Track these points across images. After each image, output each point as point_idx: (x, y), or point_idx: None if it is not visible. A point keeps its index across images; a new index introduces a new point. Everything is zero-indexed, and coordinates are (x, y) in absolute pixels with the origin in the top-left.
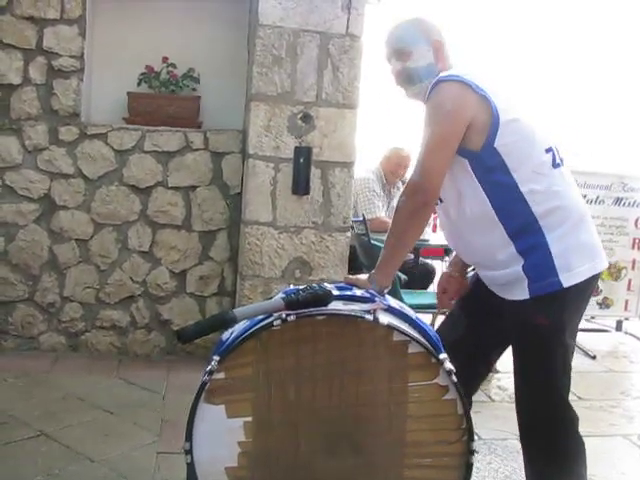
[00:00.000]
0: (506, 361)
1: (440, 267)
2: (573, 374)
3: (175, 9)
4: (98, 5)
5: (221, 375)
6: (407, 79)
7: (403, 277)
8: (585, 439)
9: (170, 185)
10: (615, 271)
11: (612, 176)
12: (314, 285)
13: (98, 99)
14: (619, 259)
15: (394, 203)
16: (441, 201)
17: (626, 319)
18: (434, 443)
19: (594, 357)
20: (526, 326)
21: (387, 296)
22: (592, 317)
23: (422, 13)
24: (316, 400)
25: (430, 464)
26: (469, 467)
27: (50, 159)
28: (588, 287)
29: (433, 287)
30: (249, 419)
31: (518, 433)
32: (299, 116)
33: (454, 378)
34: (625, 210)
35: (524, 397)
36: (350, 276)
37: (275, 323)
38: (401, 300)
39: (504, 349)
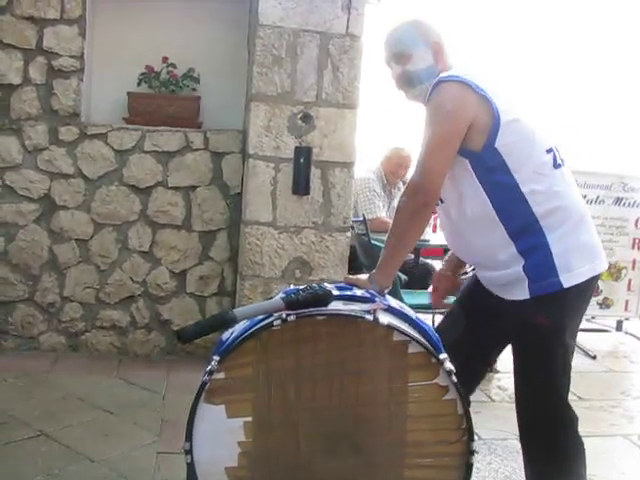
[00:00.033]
0: (506, 361)
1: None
2: (573, 374)
3: (175, 9)
4: (98, 5)
5: (221, 375)
6: (407, 82)
7: (403, 277)
8: (585, 439)
9: (170, 185)
10: (615, 271)
11: (612, 176)
12: (314, 285)
13: (98, 99)
14: (619, 259)
15: (395, 203)
16: (442, 202)
17: (626, 319)
18: (434, 443)
19: (594, 357)
20: (526, 326)
21: (387, 296)
22: (592, 317)
23: (422, 13)
24: (316, 400)
25: (430, 464)
26: (469, 467)
27: (50, 159)
28: (588, 287)
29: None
30: (249, 419)
31: (518, 433)
32: (299, 116)
33: (454, 378)
34: (625, 210)
35: (524, 397)
36: (350, 276)
37: (275, 323)
38: (401, 300)
39: (503, 348)
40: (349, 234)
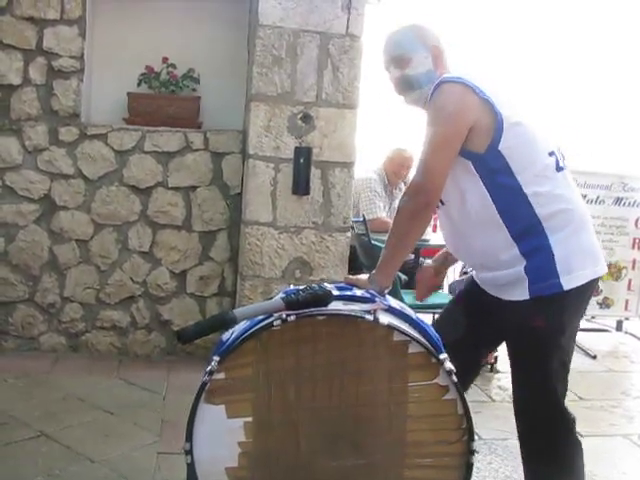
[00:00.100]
0: (506, 361)
1: None
2: (574, 374)
3: (175, 9)
4: (98, 5)
5: (221, 375)
6: (406, 86)
7: (403, 277)
8: (586, 439)
9: (170, 185)
10: (615, 271)
11: (612, 176)
12: (314, 285)
13: (98, 99)
14: (619, 259)
15: (396, 204)
16: (442, 203)
17: (626, 319)
18: (434, 443)
19: (594, 357)
20: (523, 328)
21: (387, 296)
22: (592, 317)
23: (422, 14)
24: (316, 400)
25: (430, 464)
26: (469, 467)
27: (50, 159)
28: (587, 290)
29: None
30: (249, 419)
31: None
32: (299, 116)
33: (454, 378)
34: (625, 210)
35: (521, 399)
36: (350, 276)
37: (275, 323)
38: (401, 300)
39: (495, 348)
40: (349, 234)
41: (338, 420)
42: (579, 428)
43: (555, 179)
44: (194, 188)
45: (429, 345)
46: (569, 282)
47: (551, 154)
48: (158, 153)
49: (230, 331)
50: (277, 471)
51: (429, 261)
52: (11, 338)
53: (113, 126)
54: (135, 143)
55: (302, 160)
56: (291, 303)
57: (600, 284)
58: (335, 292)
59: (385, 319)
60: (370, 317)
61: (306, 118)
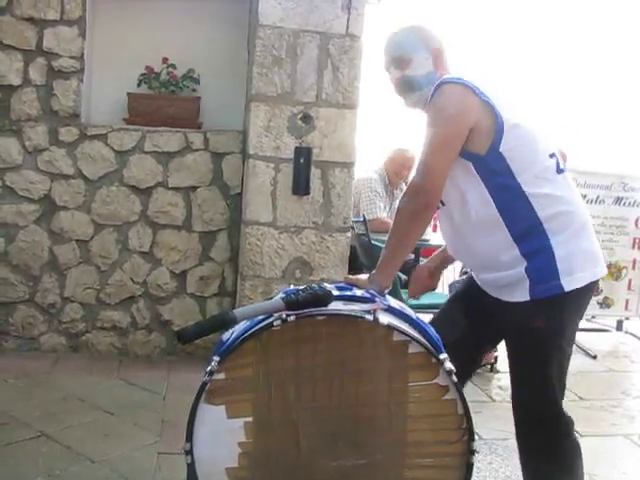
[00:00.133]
0: (506, 361)
1: None
2: (574, 374)
3: (175, 9)
4: (98, 6)
5: (221, 375)
6: (406, 87)
7: (403, 277)
8: (586, 439)
9: (170, 186)
10: (615, 271)
11: (612, 176)
12: (314, 285)
13: (98, 100)
14: (619, 259)
15: (396, 204)
16: (443, 204)
17: (626, 319)
18: (434, 443)
19: (595, 357)
20: (523, 329)
21: (387, 296)
22: (593, 317)
23: (421, 14)
24: (316, 400)
25: (430, 464)
26: (470, 467)
27: (50, 160)
28: (587, 292)
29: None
30: (249, 419)
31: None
32: (299, 116)
33: (454, 378)
34: (625, 210)
35: (519, 401)
36: (350, 276)
37: (275, 323)
38: (401, 300)
39: (493, 347)
40: (349, 234)
41: (338, 420)
42: (579, 428)
43: (556, 181)
44: (194, 188)
45: (429, 345)
46: (570, 284)
47: (552, 156)
48: (158, 153)
49: (230, 331)
50: (277, 471)
51: (422, 265)
52: (11, 338)
53: (113, 126)
54: (135, 143)
55: (302, 160)
56: (291, 303)
57: (600, 284)
58: (335, 292)
59: (385, 319)
60: (370, 317)
61: (306, 118)
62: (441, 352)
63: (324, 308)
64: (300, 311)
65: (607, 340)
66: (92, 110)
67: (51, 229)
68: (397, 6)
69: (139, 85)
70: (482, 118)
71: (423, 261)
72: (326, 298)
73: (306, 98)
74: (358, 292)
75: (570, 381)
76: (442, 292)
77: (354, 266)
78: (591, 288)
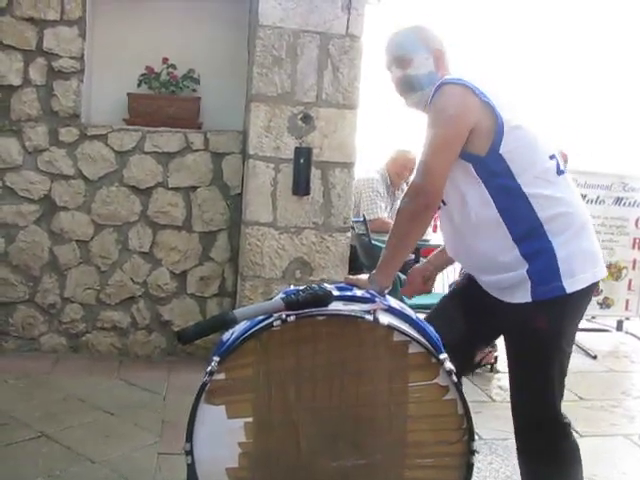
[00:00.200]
0: (506, 361)
1: None
2: (574, 374)
3: (175, 9)
4: (98, 6)
5: (221, 376)
6: (407, 86)
7: (403, 277)
8: (586, 439)
9: (170, 186)
10: (616, 271)
11: (612, 176)
12: (314, 286)
13: (98, 100)
14: (619, 259)
15: (397, 205)
16: (444, 204)
17: (627, 319)
18: (435, 443)
19: (595, 357)
20: (525, 330)
21: (387, 296)
22: (593, 317)
23: (421, 14)
24: (316, 400)
25: (431, 464)
26: (470, 467)
27: (50, 160)
28: (588, 294)
29: (434, 288)
30: (249, 420)
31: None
32: (299, 117)
33: (454, 378)
34: (625, 210)
35: (520, 401)
36: (350, 276)
37: (275, 323)
38: (401, 300)
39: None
40: (349, 234)
41: (338, 420)
42: (579, 428)
43: (556, 182)
44: (194, 188)
45: (429, 345)
46: (571, 285)
47: (552, 157)
48: (158, 153)
49: (230, 331)
50: (277, 471)
51: (418, 266)
52: (11, 339)
53: (113, 127)
54: (135, 144)
55: (302, 160)
56: (291, 303)
57: (600, 284)
58: (335, 292)
59: (385, 319)
60: (370, 317)
61: (306, 118)
62: (441, 352)
63: (324, 308)
64: (300, 311)
65: (607, 340)
66: (92, 110)
67: (51, 229)
68: (397, 6)
69: (139, 85)
70: (482, 119)
71: (423, 261)
72: (326, 298)
73: (306, 98)
74: (358, 292)
75: (570, 381)
76: (443, 292)
77: (354, 266)
78: (592, 289)
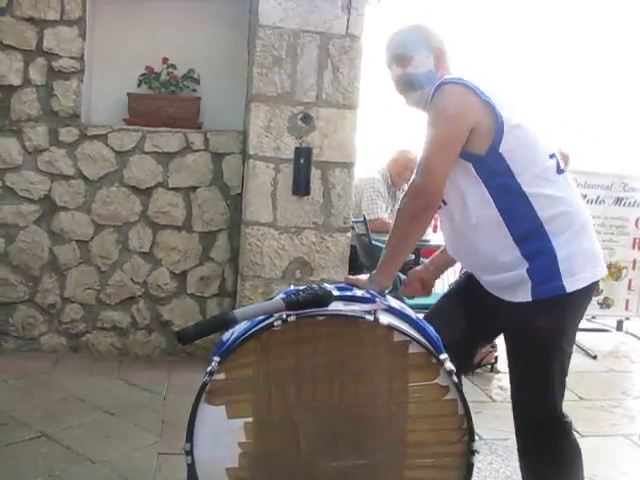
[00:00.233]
0: (507, 361)
1: None
2: (574, 374)
3: (175, 9)
4: (98, 6)
5: (221, 376)
6: (407, 85)
7: (403, 277)
8: (586, 439)
9: (170, 186)
10: (616, 271)
11: (612, 176)
12: (314, 286)
13: (98, 100)
14: (619, 259)
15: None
16: (444, 203)
17: (627, 319)
18: (435, 443)
19: (595, 357)
20: (526, 329)
21: (388, 296)
22: (593, 317)
23: (422, 14)
24: (316, 400)
25: (431, 464)
26: (470, 467)
27: (50, 160)
28: (588, 293)
29: (434, 288)
30: (250, 420)
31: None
32: (299, 117)
33: (454, 378)
34: (625, 210)
35: (521, 401)
36: (350, 276)
37: (275, 324)
38: (401, 300)
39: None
40: (349, 234)
41: (338, 420)
42: (579, 428)
43: (556, 182)
44: (194, 188)
45: (429, 345)
46: (572, 284)
47: (552, 156)
48: (158, 154)
49: (230, 331)
50: (277, 471)
51: (419, 268)
52: (11, 339)
53: (113, 127)
54: (135, 144)
55: (302, 160)
56: (291, 303)
57: (600, 284)
58: (335, 292)
59: (385, 319)
60: (370, 317)
61: (306, 118)
62: (441, 352)
63: (324, 308)
64: (300, 311)
65: (607, 340)
66: (92, 110)
67: (51, 229)
68: (397, 6)
69: (139, 85)
70: (482, 118)
71: (424, 262)
72: (326, 298)
73: (306, 98)
74: (358, 292)
75: (570, 381)
76: (442, 292)
77: (354, 266)
78: (592, 288)
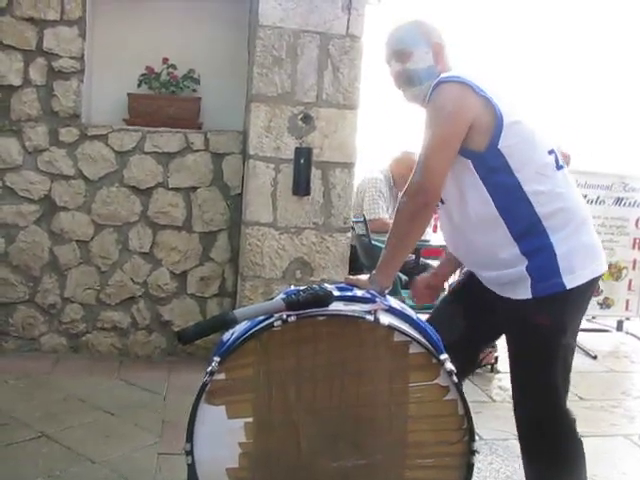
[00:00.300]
0: (507, 361)
1: None
2: (574, 374)
3: (175, 9)
4: (98, 6)
5: (222, 376)
6: (407, 80)
7: (404, 278)
8: (586, 439)
9: (171, 186)
10: (616, 271)
11: (613, 176)
12: (315, 286)
13: (98, 100)
14: (620, 259)
15: None
16: (442, 202)
17: (627, 319)
18: (435, 444)
19: (595, 357)
20: (526, 327)
21: (388, 296)
22: (593, 317)
23: (422, 14)
24: (317, 401)
25: (431, 464)
26: (470, 467)
27: (50, 160)
28: (589, 289)
29: None
30: (250, 420)
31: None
32: (299, 117)
33: (455, 378)
34: (626, 210)
35: (523, 400)
36: (351, 277)
37: (276, 324)
38: (402, 300)
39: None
40: (349, 235)
41: (339, 420)
42: (579, 428)
43: (555, 178)
44: (194, 189)
45: (430, 346)
46: (571, 281)
47: (550, 152)
48: (158, 154)
49: (230, 332)
50: (278, 471)
51: (425, 275)
52: (12, 339)
53: (113, 127)
54: (135, 144)
55: (302, 161)
56: (292, 304)
57: (600, 284)
58: (336, 292)
59: (386, 319)
60: (371, 317)
61: (306, 118)
62: (442, 352)
63: (325, 308)
64: (301, 311)
65: (607, 340)
66: (92, 110)
67: (51, 230)
68: (397, 6)
69: (139, 85)
70: (481, 115)
71: (424, 261)
72: (327, 298)
73: (306, 98)
74: (359, 292)
75: (570, 381)
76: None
77: (354, 266)
78: (592, 285)
